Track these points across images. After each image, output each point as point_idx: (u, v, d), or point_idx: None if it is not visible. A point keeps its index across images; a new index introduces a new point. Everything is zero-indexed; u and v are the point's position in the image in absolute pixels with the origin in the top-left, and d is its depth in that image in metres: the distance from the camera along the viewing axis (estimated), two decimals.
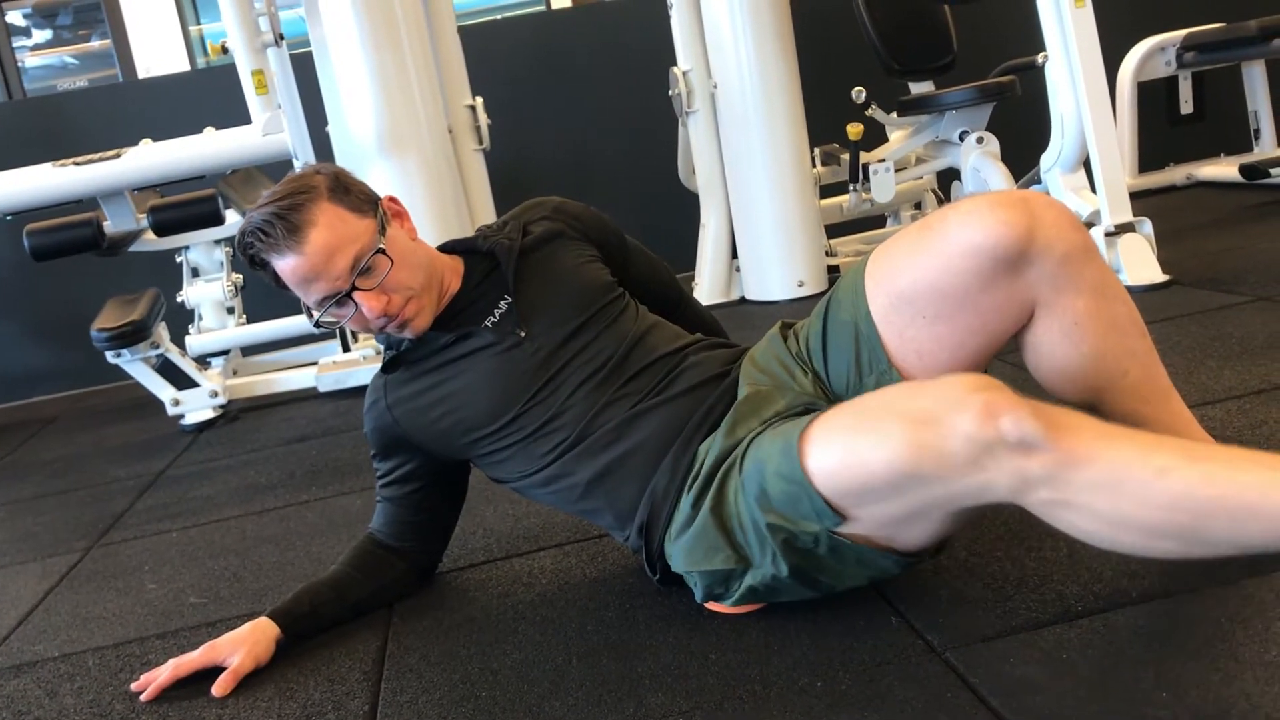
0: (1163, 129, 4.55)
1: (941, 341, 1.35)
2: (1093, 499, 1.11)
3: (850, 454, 1.22)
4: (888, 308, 1.37)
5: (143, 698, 1.53)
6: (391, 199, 1.60)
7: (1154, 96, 4.49)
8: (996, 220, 1.28)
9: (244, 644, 1.55)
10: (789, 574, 1.35)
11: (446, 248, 1.68)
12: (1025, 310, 1.35)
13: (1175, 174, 4.65)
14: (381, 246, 1.50)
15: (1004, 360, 2.42)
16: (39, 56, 6.98)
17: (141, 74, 6.39)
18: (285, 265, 1.49)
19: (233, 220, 3.58)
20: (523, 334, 1.56)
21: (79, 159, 3.11)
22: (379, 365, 1.68)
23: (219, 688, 1.50)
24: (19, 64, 6.56)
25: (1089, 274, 1.34)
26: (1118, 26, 3.87)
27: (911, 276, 1.34)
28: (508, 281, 1.60)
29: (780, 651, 1.35)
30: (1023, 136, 3.85)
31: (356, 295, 1.50)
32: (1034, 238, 1.28)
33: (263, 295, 3.26)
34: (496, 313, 1.59)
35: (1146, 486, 1.08)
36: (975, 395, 1.12)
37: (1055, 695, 1.16)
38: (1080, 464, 1.10)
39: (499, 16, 5.01)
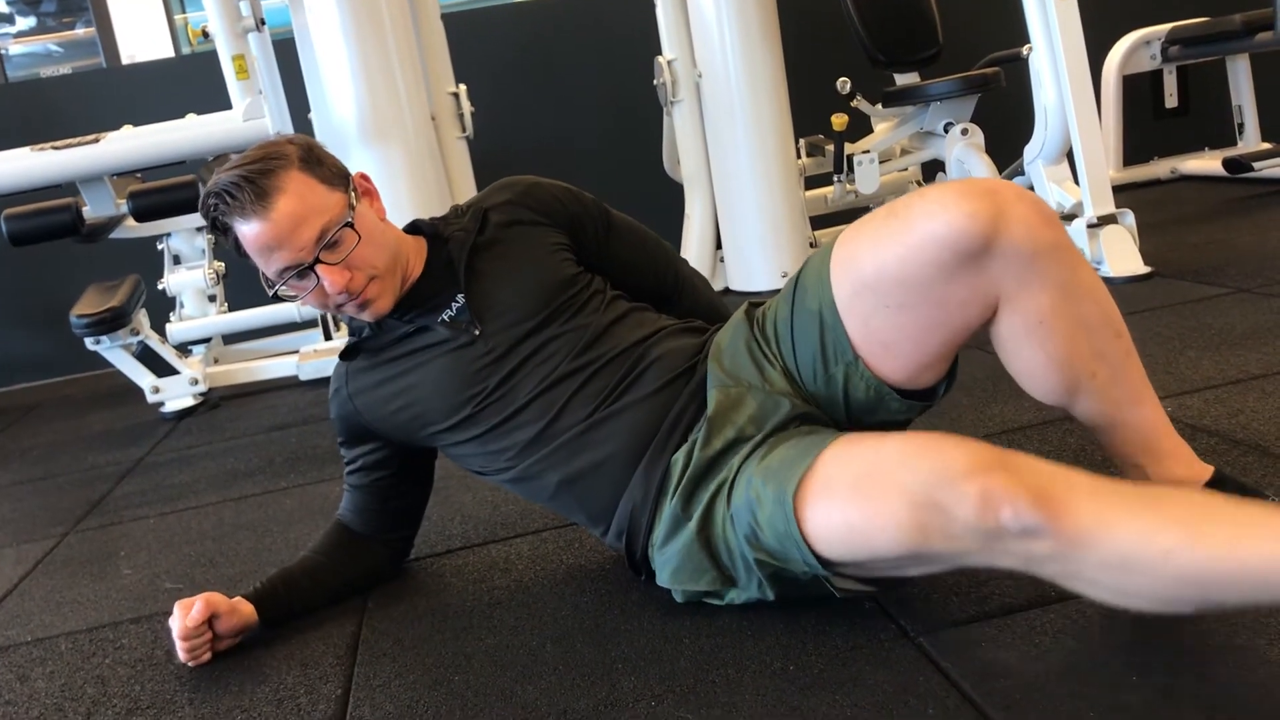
0: (1147, 123, 4.56)
1: (904, 331, 1.32)
2: (1101, 575, 1.09)
3: (852, 531, 1.21)
4: (851, 295, 1.34)
5: (193, 663, 1.53)
6: (363, 176, 1.56)
7: (1139, 90, 4.50)
8: (960, 212, 1.23)
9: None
10: (775, 598, 1.37)
11: (413, 227, 1.64)
12: (990, 304, 1.30)
13: (1159, 168, 4.66)
14: (350, 220, 1.46)
15: (981, 349, 2.42)
16: (22, 44, 6.92)
17: (125, 61, 6.33)
18: (249, 231, 1.44)
19: None
20: (477, 332, 1.53)
21: (58, 143, 3.09)
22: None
23: (189, 615, 1.50)
24: (2, 51, 6.51)
25: (1056, 271, 1.29)
26: (1103, 20, 3.88)
27: (875, 264, 1.30)
28: (460, 278, 1.56)
29: (754, 636, 1.35)
30: (1007, 128, 3.85)
31: (319, 269, 1.46)
32: (998, 231, 1.24)
33: (244, 283, 3.24)
34: (454, 306, 1.55)
35: (1153, 567, 1.06)
36: (973, 483, 1.10)
37: (1026, 678, 1.16)
38: (1085, 547, 1.08)
39: (483, 6, 4.98)
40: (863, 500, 1.20)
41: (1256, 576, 1.03)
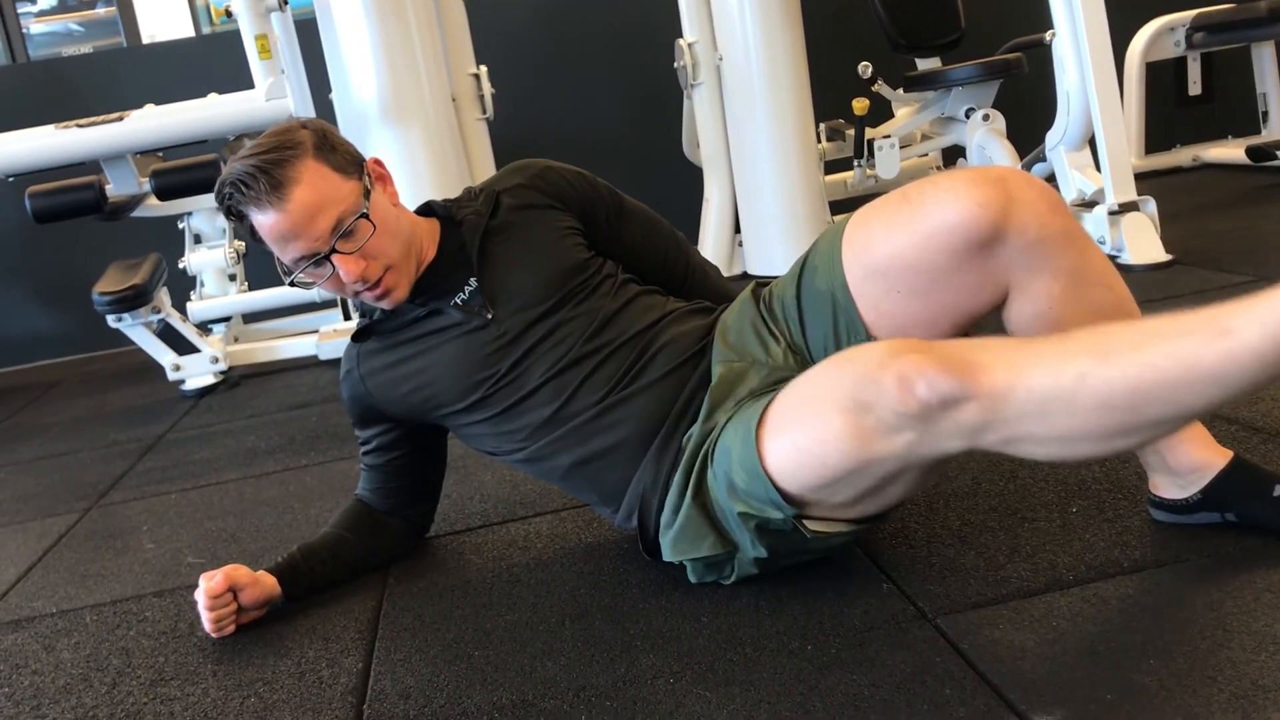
0: (1170, 110, 4.53)
1: (915, 316, 1.34)
2: (1032, 427, 1.11)
3: (800, 451, 1.25)
4: (862, 279, 1.35)
5: (217, 634, 1.55)
6: (376, 161, 1.56)
7: (1162, 78, 4.47)
8: (971, 200, 1.25)
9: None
10: (769, 554, 1.38)
11: (426, 208, 1.64)
12: (1000, 289, 1.32)
13: (1182, 155, 4.63)
14: (365, 211, 1.46)
15: (1002, 330, 2.42)
16: (44, 23, 6.94)
17: (146, 41, 6.35)
18: (265, 220, 1.45)
19: None
20: (490, 316, 1.53)
21: (81, 121, 3.11)
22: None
23: (213, 580, 1.53)
24: (24, 30, 6.53)
25: (1065, 258, 1.30)
26: (1127, 6, 3.85)
27: (887, 250, 1.32)
28: (472, 262, 1.56)
29: (772, 615, 1.36)
30: (1029, 114, 3.83)
31: (335, 258, 1.46)
32: (1008, 219, 1.25)
33: (265, 262, 3.26)
34: (466, 289, 1.56)
35: (1073, 397, 1.07)
36: (888, 370, 1.13)
37: (1043, 661, 1.17)
38: (1005, 399, 1.10)
39: None
40: (804, 420, 1.25)
41: (1171, 377, 1.04)
